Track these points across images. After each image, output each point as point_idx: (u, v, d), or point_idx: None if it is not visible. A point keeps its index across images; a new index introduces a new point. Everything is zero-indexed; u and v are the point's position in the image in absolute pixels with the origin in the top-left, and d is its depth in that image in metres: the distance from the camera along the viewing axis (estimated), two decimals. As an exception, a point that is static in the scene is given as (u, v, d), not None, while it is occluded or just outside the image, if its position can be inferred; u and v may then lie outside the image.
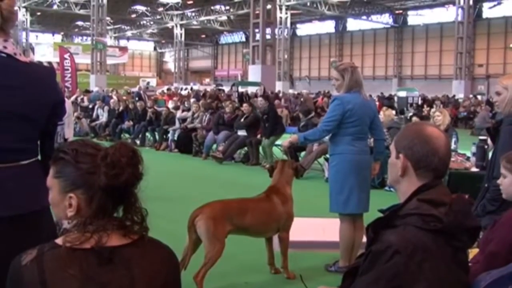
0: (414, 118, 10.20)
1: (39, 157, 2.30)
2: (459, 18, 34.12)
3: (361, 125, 4.52)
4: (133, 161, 1.41)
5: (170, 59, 67.77)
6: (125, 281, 1.36)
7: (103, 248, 1.36)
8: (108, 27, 48.13)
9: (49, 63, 42.50)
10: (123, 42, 63.31)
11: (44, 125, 2.23)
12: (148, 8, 48.54)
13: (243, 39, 58.76)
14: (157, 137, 14.65)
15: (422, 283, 1.57)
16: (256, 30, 28.93)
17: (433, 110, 17.61)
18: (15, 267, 1.35)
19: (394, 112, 17.65)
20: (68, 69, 23.92)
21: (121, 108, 16.61)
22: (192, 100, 15.79)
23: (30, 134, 2.20)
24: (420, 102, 28.11)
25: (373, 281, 1.59)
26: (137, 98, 19.32)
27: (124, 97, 21.51)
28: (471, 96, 30.87)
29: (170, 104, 17.34)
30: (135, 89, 28.65)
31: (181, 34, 54.26)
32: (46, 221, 2.16)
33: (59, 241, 1.38)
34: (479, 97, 31.27)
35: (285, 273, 4.46)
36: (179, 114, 14.62)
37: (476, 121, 21.07)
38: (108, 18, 40.04)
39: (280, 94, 26.90)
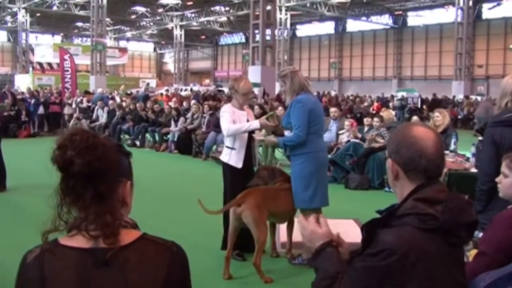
0: (414, 118, 10.19)
1: None
2: (459, 19, 34.13)
3: (320, 123, 4.85)
4: (70, 143, 1.35)
5: (170, 60, 67.75)
6: (120, 285, 1.34)
7: (100, 249, 1.36)
8: (108, 28, 48.12)
9: (49, 64, 42.59)
10: (122, 43, 63.34)
11: None
12: (148, 9, 48.52)
13: (243, 40, 58.78)
14: (157, 138, 14.65)
15: (415, 283, 1.57)
16: (256, 31, 28.86)
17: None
18: (21, 264, 1.40)
19: (394, 112, 17.70)
20: (68, 70, 23.92)
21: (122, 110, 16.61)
22: (192, 101, 15.71)
23: None
24: (419, 103, 28.02)
25: (367, 269, 1.61)
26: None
27: (124, 98, 21.53)
28: (462, 96, 30.77)
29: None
30: (139, 90, 28.56)
31: (180, 35, 54.25)
32: None
33: (61, 239, 1.40)
34: (478, 98, 31.24)
35: (288, 254, 5.09)
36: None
37: (477, 112, 20.32)
38: (107, 19, 40.02)
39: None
